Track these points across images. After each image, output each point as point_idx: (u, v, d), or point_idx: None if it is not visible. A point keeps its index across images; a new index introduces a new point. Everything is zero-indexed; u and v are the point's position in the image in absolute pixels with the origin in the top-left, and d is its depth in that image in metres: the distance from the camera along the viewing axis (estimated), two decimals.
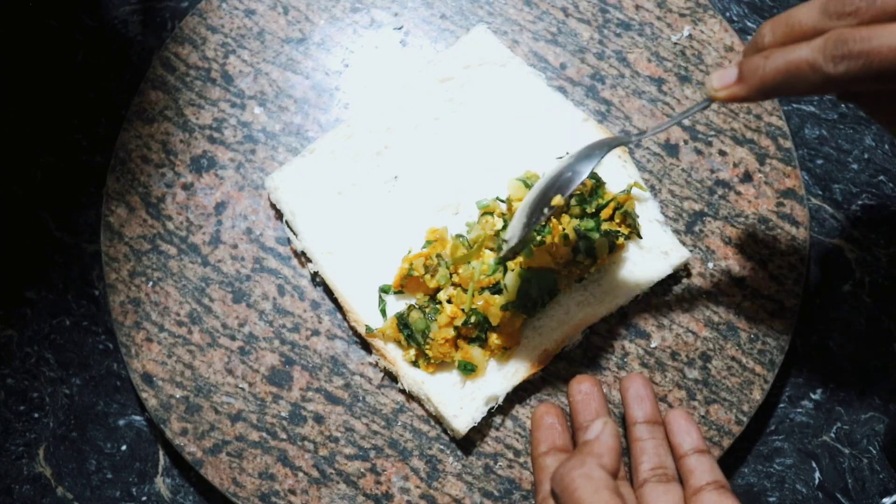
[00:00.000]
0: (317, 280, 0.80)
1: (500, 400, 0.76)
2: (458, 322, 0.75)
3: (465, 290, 0.75)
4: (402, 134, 0.81)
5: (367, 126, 0.81)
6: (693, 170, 0.81)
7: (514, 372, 0.76)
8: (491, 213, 0.77)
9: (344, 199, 0.80)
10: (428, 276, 0.75)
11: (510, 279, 0.74)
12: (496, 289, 0.75)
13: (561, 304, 0.77)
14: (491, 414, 0.77)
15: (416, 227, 0.79)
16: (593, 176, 0.77)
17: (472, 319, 0.74)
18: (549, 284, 0.76)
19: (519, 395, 0.77)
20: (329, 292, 0.79)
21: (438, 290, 0.76)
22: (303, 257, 0.80)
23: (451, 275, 0.76)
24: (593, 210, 0.77)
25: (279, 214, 0.81)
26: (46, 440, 0.81)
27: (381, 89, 0.83)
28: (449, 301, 0.75)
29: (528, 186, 0.77)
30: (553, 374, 0.78)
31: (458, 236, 0.77)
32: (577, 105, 0.82)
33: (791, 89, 0.58)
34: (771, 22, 0.60)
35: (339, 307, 0.79)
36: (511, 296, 0.74)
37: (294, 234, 0.79)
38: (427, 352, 0.75)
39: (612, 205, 0.77)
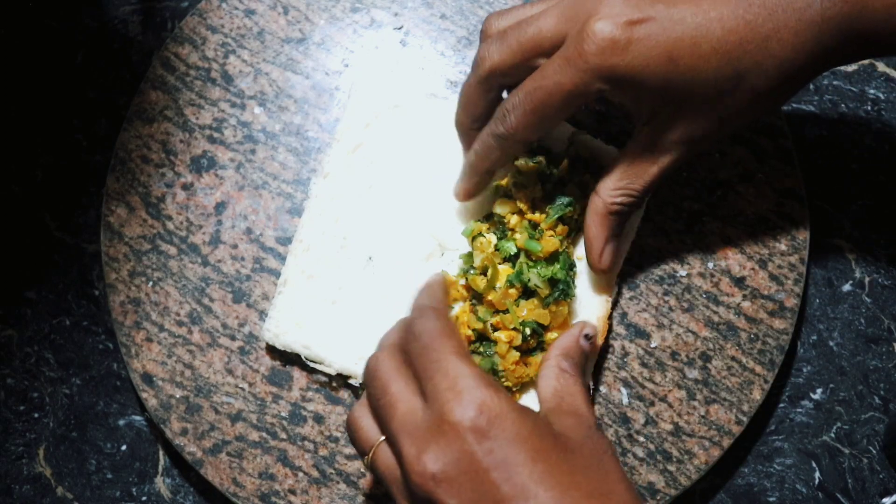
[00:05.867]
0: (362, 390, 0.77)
1: (591, 382, 0.76)
2: (517, 341, 0.74)
3: (501, 312, 0.74)
4: (351, 219, 0.79)
5: (319, 228, 0.78)
6: (692, 169, 0.81)
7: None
8: (480, 234, 0.77)
9: (340, 305, 0.77)
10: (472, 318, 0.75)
11: (536, 277, 0.74)
12: (528, 294, 0.75)
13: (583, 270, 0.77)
14: None
15: (416, 286, 0.77)
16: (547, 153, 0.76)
17: (527, 331, 0.74)
18: (566, 259, 0.75)
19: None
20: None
21: (479, 329, 0.75)
22: (338, 380, 0.78)
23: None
24: (555, 173, 0.76)
25: (289, 359, 0.78)
26: (46, 440, 0.81)
27: (361, 105, 0.82)
28: (495, 329, 0.75)
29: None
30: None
31: (465, 271, 0.76)
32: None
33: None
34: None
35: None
36: (545, 290, 0.74)
37: (319, 363, 0.77)
38: (506, 384, 0.74)
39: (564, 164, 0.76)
